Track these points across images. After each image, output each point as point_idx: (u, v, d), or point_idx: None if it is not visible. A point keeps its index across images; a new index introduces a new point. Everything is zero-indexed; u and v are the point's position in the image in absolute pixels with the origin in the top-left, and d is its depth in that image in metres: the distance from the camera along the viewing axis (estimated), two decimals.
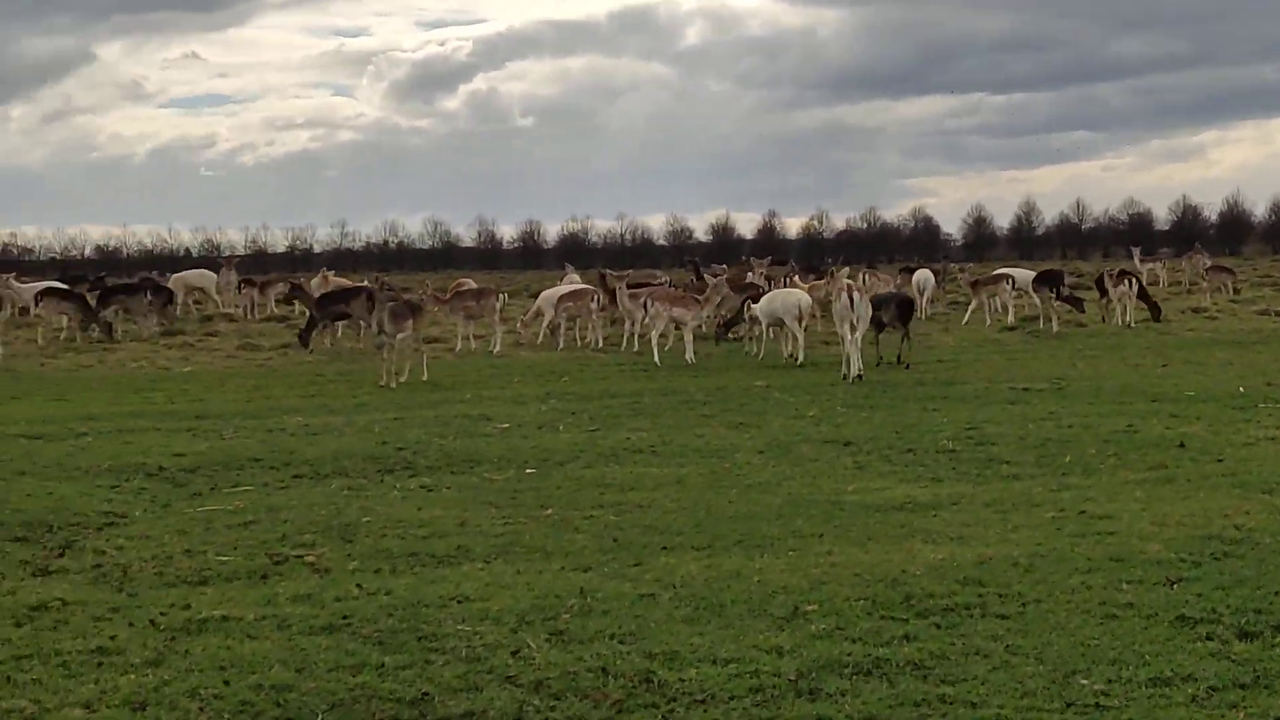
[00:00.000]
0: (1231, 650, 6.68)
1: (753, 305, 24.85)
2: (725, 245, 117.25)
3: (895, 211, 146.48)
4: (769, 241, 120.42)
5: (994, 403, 17.12)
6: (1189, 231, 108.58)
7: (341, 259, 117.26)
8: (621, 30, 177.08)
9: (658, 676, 6.37)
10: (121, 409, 17.58)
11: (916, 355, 23.57)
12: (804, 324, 23.84)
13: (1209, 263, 44.66)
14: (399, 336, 20.87)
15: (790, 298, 24.04)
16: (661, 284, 30.28)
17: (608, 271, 29.40)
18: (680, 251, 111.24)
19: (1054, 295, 31.04)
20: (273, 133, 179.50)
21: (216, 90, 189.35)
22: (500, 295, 27.62)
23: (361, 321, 25.97)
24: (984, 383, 19.47)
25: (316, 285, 31.40)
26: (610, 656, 6.66)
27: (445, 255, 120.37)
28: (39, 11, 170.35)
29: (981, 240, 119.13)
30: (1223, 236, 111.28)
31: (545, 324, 27.92)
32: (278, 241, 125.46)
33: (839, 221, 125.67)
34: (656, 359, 23.68)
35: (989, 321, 32.48)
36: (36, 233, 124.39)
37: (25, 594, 7.99)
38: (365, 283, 21.88)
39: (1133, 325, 31.14)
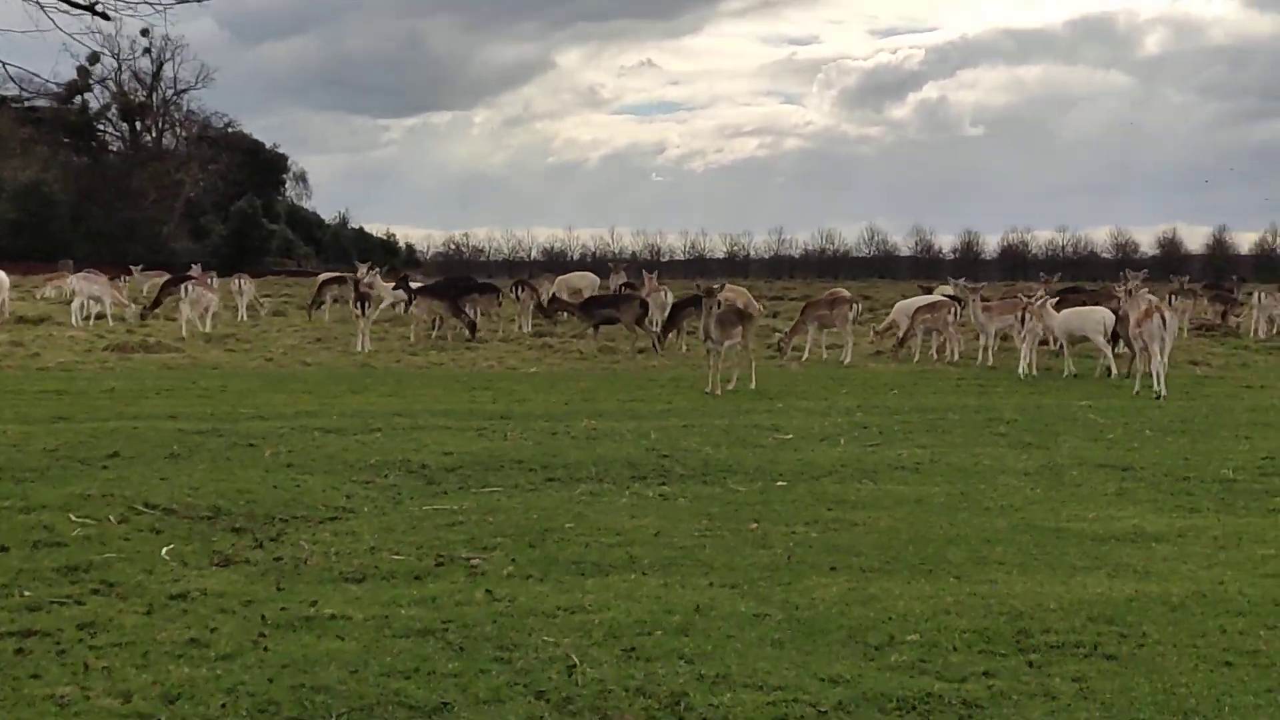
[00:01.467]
0: None
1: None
2: (1170, 259, 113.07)
3: None
4: (1218, 256, 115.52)
5: None
6: None
7: (779, 266, 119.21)
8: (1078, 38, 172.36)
9: (689, 700, 6.24)
10: (436, 406, 18.28)
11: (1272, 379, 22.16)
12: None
13: None
14: (726, 344, 20.97)
15: (1094, 315, 23.27)
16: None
17: (961, 281, 28.65)
18: (1123, 264, 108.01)
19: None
20: (721, 140, 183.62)
21: (669, 98, 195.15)
22: (855, 304, 27.34)
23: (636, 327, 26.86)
24: None
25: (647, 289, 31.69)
26: (662, 676, 6.57)
27: (882, 263, 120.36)
28: (507, 19, 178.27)
29: None
30: None
31: (900, 335, 27.50)
32: (715, 247, 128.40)
33: None
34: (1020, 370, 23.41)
35: None
36: (487, 234, 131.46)
37: (179, 583, 8.45)
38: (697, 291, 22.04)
39: None
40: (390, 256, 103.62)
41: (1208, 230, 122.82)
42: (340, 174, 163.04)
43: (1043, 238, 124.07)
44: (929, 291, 32.47)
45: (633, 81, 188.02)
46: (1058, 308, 24.53)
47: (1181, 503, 11.61)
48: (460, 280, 38.46)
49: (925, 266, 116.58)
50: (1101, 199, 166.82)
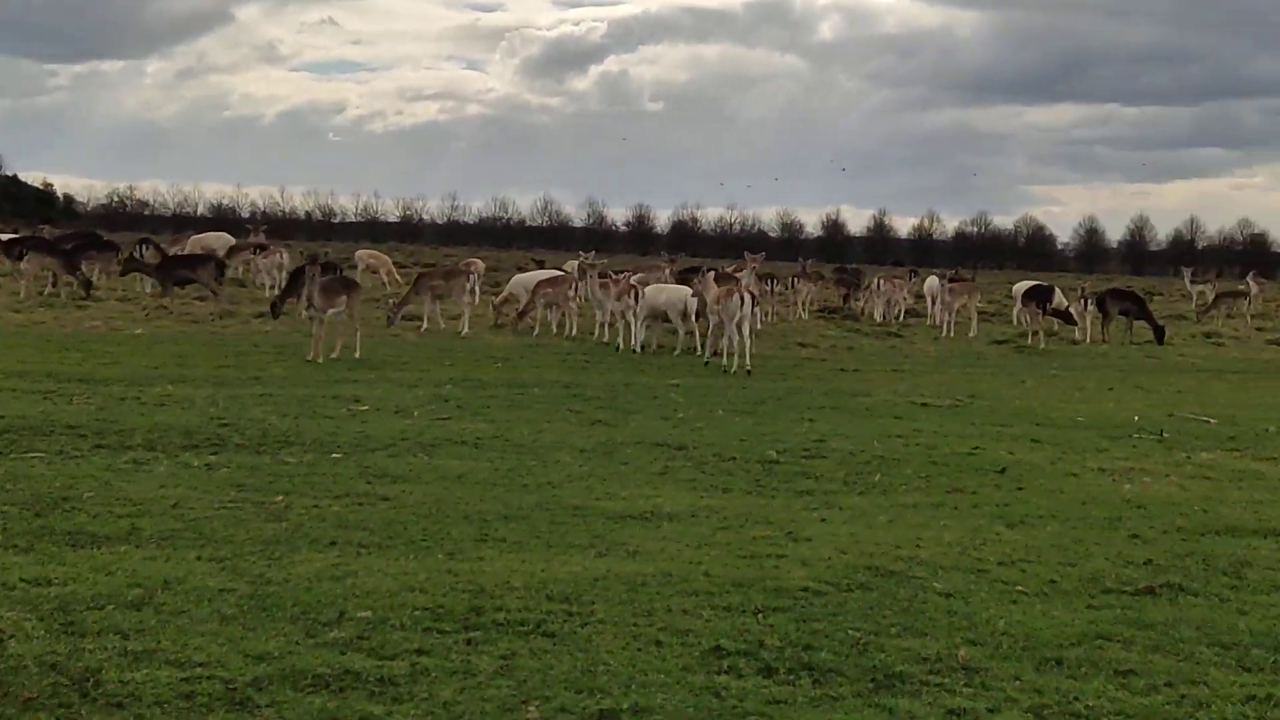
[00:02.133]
0: (746, 684, 6.42)
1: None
2: (834, 242, 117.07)
3: (1013, 218, 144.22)
4: (880, 240, 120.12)
5: (880, 416, 16.75)
6: None
7: (454, 233, 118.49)
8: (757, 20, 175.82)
9: (99, 676, 6.19)
10: (14, 367, 17.70)
11: (871, 363, 23.19)
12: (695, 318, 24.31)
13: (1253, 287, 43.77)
14: (330, 312, 20.84)
15: (676, 293, 24.39)
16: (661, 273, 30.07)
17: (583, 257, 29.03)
18: (790, 245, 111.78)
19: (1041, 311, 30.54)
20: (402, 103, 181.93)
21: (349, 57, 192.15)
22: (472, 276, 27.52)
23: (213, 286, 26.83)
24: (892, 395, 19.03)
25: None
26: (87, 652, 6.49)
27: (555, 234, 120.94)
28: None
29: (1093, 253, 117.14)
30: None
31: (520, 308, 27.73)
32: (389, 211, 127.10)
33: (950, 225, 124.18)
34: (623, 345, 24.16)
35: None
36: (152, 187, 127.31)
37: None
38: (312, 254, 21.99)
39: (1106, 345, 30.74)
40: (45, 208, 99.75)
41: (871, 213, 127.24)
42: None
43: (713, 215, 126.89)
44: (543, 265, 32.99)
45: (313, 39, 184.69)
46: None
47: (718, 483, 12.00)
48: (80, 236, 37.19)
49: (598, 238, 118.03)
50: (773, 180, 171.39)
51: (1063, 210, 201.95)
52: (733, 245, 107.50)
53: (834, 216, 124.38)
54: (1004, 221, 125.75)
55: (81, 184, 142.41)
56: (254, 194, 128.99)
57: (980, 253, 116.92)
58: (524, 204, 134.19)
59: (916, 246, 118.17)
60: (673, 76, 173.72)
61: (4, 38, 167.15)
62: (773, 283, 33.94)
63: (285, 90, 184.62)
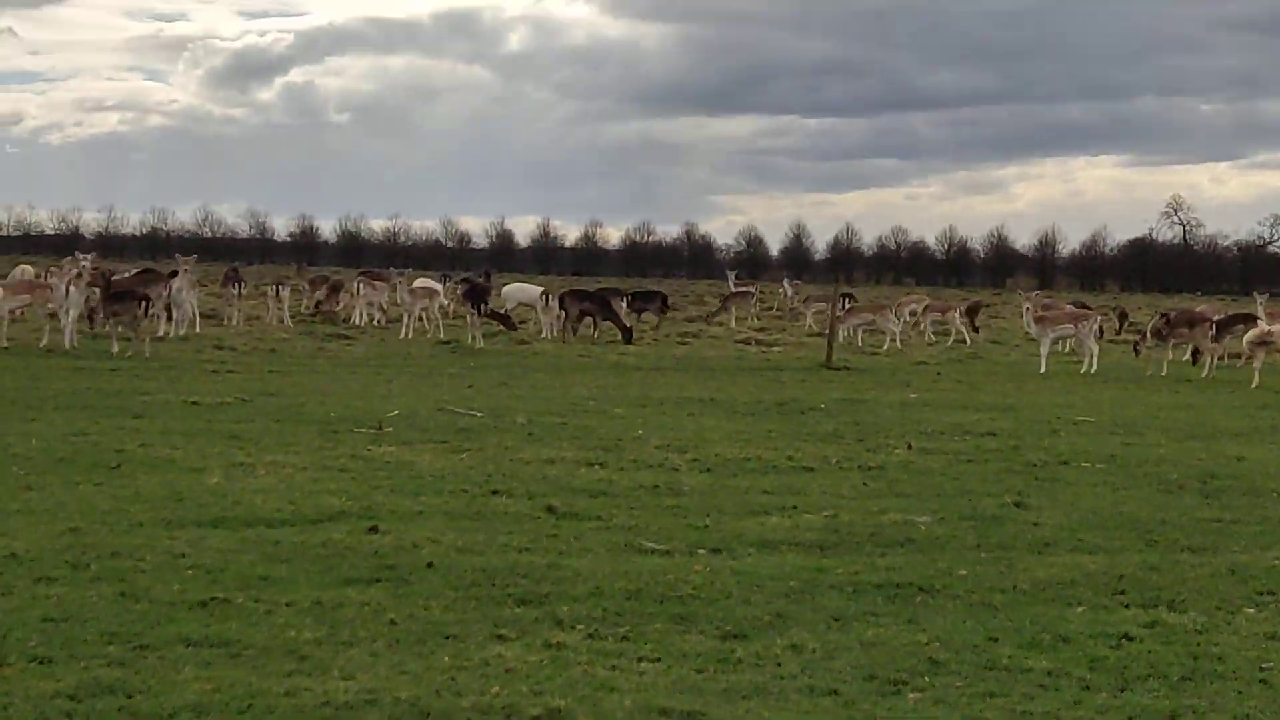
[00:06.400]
0: None
1: None
2: (547, 251, 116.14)
3: (706, 227, 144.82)
4: (591, 250, 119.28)
5: None
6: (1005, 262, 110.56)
7: (158, 245, 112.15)
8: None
9: None
10: None
11: None
12: None
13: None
14: None
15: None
16: None
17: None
18: (454, 254, 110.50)
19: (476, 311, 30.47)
20: (81, 114, 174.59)
21: (27, 68, 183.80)
22: None
23: None
24: None
25: None
26: None
27: (211, 245, 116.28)
28: None
29: (755, 260, 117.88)
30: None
31: None
32: (44, 223, 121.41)
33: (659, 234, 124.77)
34: None
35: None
36: None
37: None
38: None
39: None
40: None
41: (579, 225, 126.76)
42: None
43: (378, 226, 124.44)
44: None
45: None
46: None
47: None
48: None
49: (258, 249, 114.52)
50: (478, 189, 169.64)
51: (745, 219, 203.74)
52: (396, 255, 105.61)
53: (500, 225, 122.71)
54: (669, 231, 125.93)
55: None
56: None
57: (647, 261, 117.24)
58: (185, 214, 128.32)
59: (580, 256, 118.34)
60: (358, 87, 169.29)
61: None
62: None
63: None
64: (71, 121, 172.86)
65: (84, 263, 25.46)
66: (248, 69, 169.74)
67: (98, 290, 25.18)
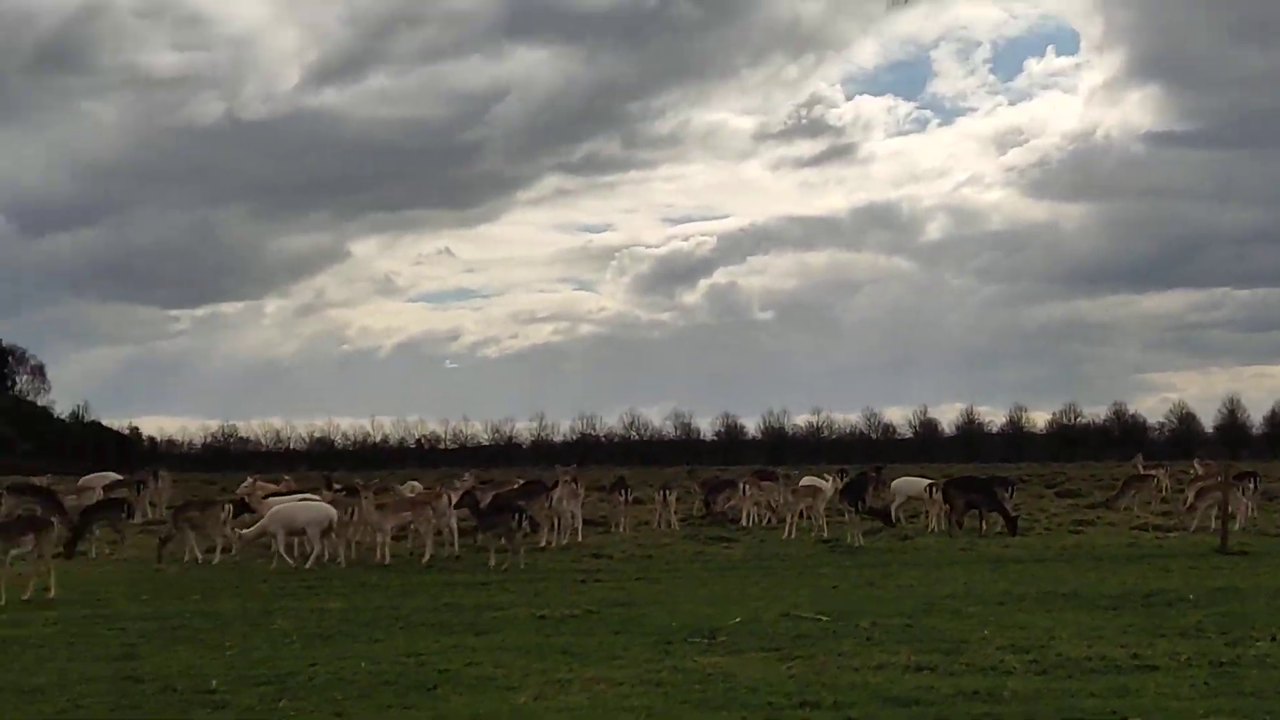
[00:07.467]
0: None
1: None
2: (971, 438, 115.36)
3: (1136, 406, 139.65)
4: (1017, 436, 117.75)
5: None
6: None
7: (589, 450, 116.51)
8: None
9: None
10: None
11: None
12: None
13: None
14: (13, 552, 19.48)
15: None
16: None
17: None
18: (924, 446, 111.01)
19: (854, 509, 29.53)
20: (516, 326, 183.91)
21: (464, 285, 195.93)
22: (226, 506, 26.89)
23: None
24: None
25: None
26: None
27: (687, 447, 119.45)
28: (299, 208, 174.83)
29: (1234, 437, 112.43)
30: None
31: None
32: (520, 434, 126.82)
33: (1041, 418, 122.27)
34: None
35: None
36: (262, 424, 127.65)
37: None
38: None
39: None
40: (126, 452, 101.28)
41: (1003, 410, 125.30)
42: (123, 366, 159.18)
43: (801, 421, 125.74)
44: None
45: (428, 270, 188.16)
46: None
47: None
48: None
49: (684, 450, 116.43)
50: (898, 380, 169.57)
51: (1179, 396, 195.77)
52: (870, 449, 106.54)
53: (922, 415, 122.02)
54: (1097, 412, 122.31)
55: (177, 425, 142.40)
56: (343, 425, 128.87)
57: (1076, 443, 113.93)
58: (653, 417, 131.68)
59: (1006, 439, 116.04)
60: (781, 285, 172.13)
61: (130, 287, 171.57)
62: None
63: (400, 321, 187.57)
64: (507, 335, 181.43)
65: (466, 479, 26.33)
66: (673, 273, 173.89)
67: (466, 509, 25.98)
